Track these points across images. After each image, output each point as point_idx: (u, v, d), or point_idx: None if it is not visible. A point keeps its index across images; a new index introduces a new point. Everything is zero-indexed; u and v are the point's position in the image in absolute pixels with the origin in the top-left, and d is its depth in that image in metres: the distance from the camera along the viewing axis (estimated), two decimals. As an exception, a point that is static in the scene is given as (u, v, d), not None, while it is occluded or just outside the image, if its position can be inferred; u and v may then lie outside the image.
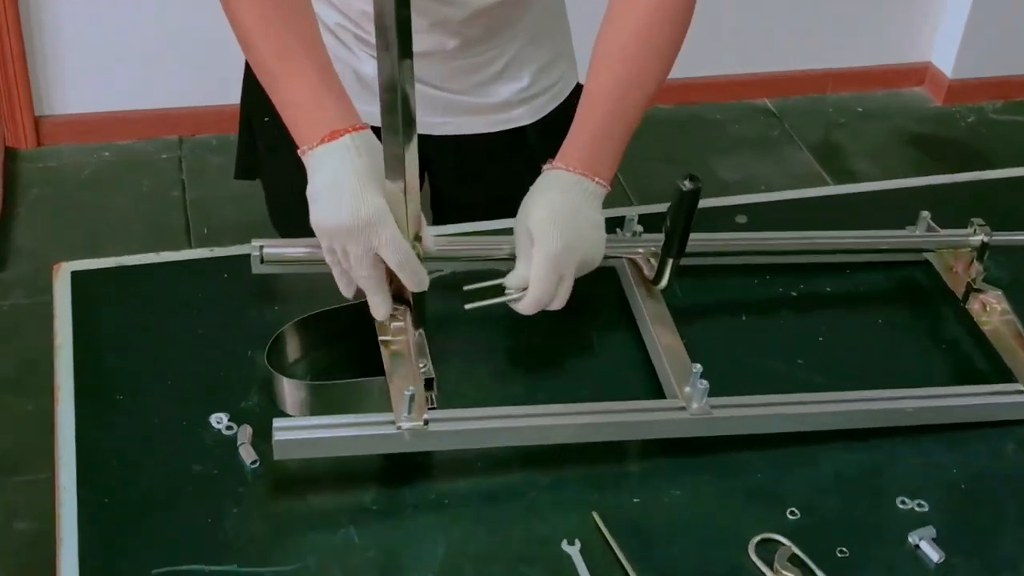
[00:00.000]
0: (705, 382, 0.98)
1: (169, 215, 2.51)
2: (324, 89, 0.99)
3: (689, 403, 0.98)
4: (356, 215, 0.94)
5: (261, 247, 1.04)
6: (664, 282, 1.08)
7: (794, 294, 1.17)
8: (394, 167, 0.94)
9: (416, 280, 0.98)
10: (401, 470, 0.95)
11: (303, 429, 0.92)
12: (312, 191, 0.98)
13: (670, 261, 1.06)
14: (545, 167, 1.05)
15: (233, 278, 1.12)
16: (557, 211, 1.00)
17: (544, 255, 0.99)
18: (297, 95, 0.99)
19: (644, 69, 1.05)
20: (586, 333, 1.10)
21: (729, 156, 2.85)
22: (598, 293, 1.12)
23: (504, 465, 0.97)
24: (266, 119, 1.26)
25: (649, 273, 1.10)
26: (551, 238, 0.99)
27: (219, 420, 0.97)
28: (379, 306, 0.99)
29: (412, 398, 0.92)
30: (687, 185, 0.99)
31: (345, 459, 0.94)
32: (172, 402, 0.99)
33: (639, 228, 1.14)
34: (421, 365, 0.95)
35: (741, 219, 1.25)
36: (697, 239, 1.11)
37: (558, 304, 1.02)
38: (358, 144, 0.97)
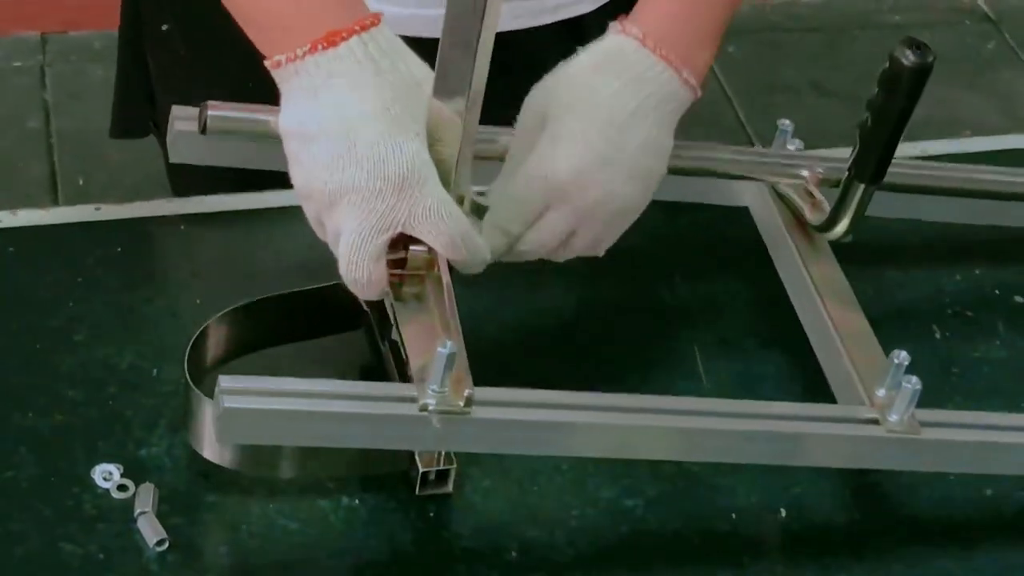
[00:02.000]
0: (916, 379, 0.93)
1: (25, 156, 2.50)
2: None
3: (885, 413, 0.94)
4: (379, 173, 0.90)
5: (205, 108, 1.01)
6: (843, 227, 1.04)
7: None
8: (452, 75, 0.91)
9: (474, 260, 0.95)
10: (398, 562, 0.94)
11: (268, 396, 0.86)
12: (294, 131, 0.93)
13: (860, 190, 1.02)
14: (610, 30, 1.02)
15: (130, 253, 1.11)
16: (600, 109, 0.97)
17: (553, 179, 0.97)
18: None
19: None
20: (692, 299, 1.10)
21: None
22: (710, 241, 1.11)
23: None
24: (165, 27, 1.25)
25: (814, 214, 1.07)
26: (575, 154, 0.96)
27: (107, 475, 0.96)
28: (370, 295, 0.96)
29: (450, 361, 0.87)
30: (909, 57, 0.93)
31: (306, 543, 0.93)
32: (34, 447, 0.97)
33: (797, 143, 1.10)
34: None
35: None
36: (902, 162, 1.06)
37: (563, 256, 0.99)
38: (372, 51, 0.92)
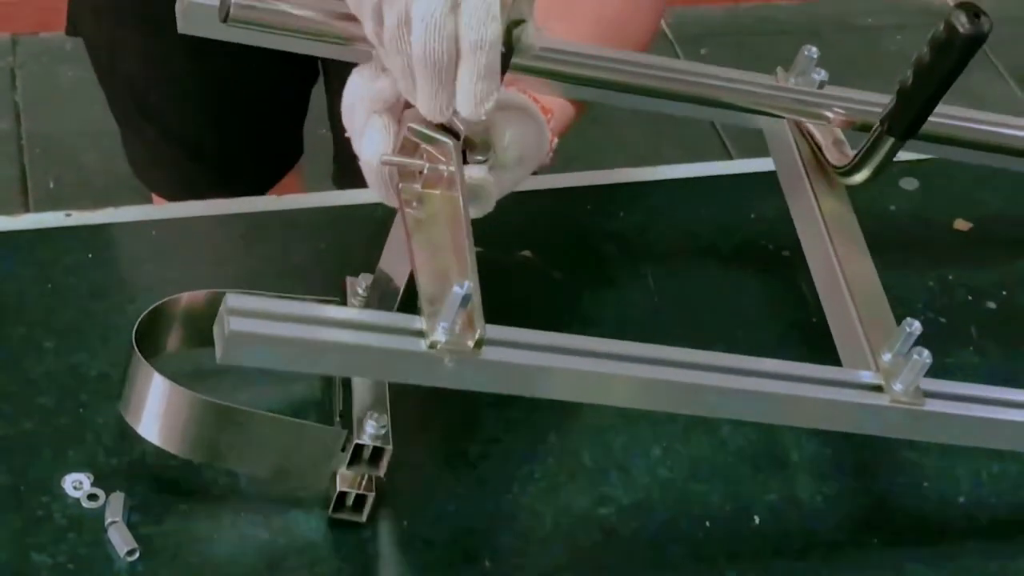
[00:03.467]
0: (927, 352, 0.91)
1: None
2: None
3: (890, 381, 0.92)
4: None
5: None
6: (863, 176, 1.02)
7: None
8: None
9: (484, 93, 0.86)
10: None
11: (275, 321, 0.82)
12: None
13: (889, 144, 0.99)
14: None
15: (100, 260, 1.10)
16: None
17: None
18: None
19: None
20: (689, 248, 1.12)
21: (883, 81, 2.81)
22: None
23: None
24: None
25: (837, 156, 1.04)
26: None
27: (77, 484, 0.95)
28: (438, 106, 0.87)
29: (465, 300, 0.84)
30: (964, 24, 0.90)
31: (277, 553, 0.92)
32: (3, 456, 0.97)
33: (822, 74, 1.08)
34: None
35: (908, 184, 1.24)
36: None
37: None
38: None
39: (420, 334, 0.84)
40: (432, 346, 0.83)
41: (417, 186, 0.91)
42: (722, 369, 0.90)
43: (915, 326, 0.91)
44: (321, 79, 1.49)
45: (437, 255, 0.88)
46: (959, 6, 0.91)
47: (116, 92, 1.46)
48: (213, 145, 1.44)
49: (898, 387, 0.91)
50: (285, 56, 1.37)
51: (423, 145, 0.91)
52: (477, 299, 0.84)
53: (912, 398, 0.91)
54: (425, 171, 0.90)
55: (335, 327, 0.84)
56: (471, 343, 0.83)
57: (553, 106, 1.01)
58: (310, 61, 1.42)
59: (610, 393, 0.90)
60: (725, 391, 0.89)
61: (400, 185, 0.90)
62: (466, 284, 0.82)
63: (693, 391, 0.89)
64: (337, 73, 1.40)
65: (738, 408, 0.91)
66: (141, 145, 1.49)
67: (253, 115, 1.46)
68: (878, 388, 0.92)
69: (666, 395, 0.90)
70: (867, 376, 0.92)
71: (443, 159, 0.90)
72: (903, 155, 1.02)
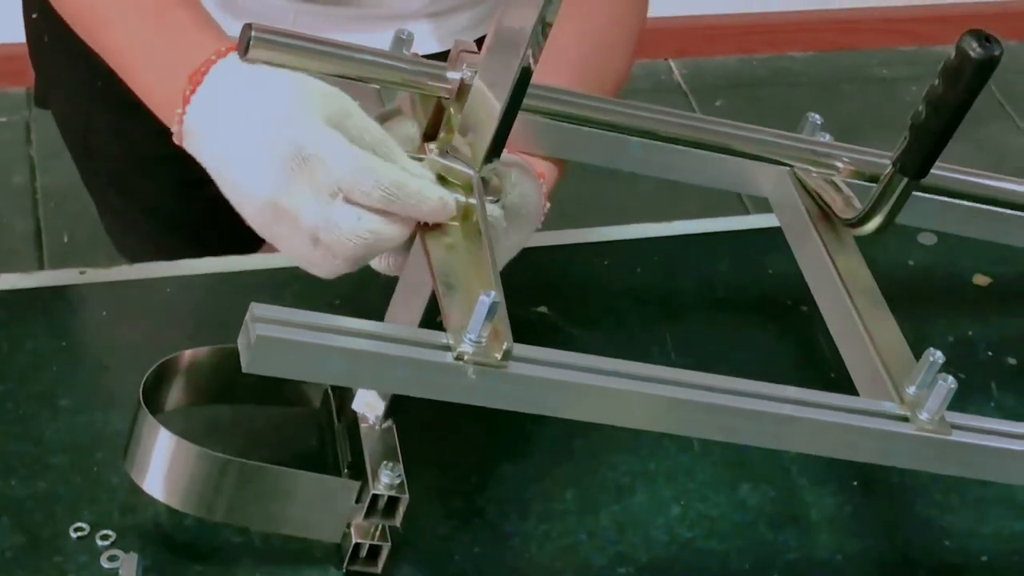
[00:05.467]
0: (951, 378, 0.90)
1: (10, 212, 2.49)
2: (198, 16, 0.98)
3: (916, 411, 0.91)
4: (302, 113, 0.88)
5: (250, 30, 0.94)
6: (876, 223, 1.01)
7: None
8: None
9: (430, 210, 0.90)
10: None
11: (301, 329, 0.83)
12: (212, 143, 0.91)
13: (903, 184, 0.98)
14: None
15: (115, 317, 1.10)
16: None
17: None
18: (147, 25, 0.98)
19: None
20: (707, 303, 1.14)
21: (899, 133, 2.82)
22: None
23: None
24: (34, 15, 1.33)
25: (843, 207, 1.04)
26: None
27: (91, 544, 0.95)
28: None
29: (492, 310, 0.84)
30: (976, 49, 0.89)
31: None
32: (17, 515, 0.96)
33: (827, 137, 1.08)
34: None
35: (927, 239, 1.23)
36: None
37: None
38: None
39: (446, 348, 0.84)
40: (459, 357, 0.83)
41: None
42: (746, 394, 0.89)
43: (938, 355, 0.91)
44: None
45: (459, 281, 0.89)
46: (969, 32, 0.90)
47: (91, 168, 1.46)
48: (192, 218, 1.43)
49: (924, 416, 0.91)
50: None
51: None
52: (503, 311, 0.84)
53: (938, 427, 0.91)
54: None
55: (359, 337, 0.84)
56: (498, 355, 0.83)
57: (542, 168, 1.03)
58: None
59: (634, 414, 0.89)
60: (749, 414, 0.89)
61: None
62: (492, 293, 0.83)
63: (717, 413, 0.89)
64: None
65: (761, 433, 0.91)
66: (118, 218, 1.49)
67: None
68: (903, 418, 0.91)
69: (689, 417, 0.89)
70: (892, 407, 0.92)
71: (460, 191, 0.93)
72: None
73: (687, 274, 1.20)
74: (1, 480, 0.98)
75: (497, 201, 0.95)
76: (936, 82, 0.93)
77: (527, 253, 0.98)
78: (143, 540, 0.95)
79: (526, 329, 0.85)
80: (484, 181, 0.93)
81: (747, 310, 1.17)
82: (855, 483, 1.04)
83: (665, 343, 1.12)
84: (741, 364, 1.10)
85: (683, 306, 1.17)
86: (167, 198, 1.41)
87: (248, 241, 1.53)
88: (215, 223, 1.49)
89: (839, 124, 1.13)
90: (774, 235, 1.12)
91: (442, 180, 0.93)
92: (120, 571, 0.93)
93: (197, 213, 1.44)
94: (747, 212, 2.41)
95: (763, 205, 1.11)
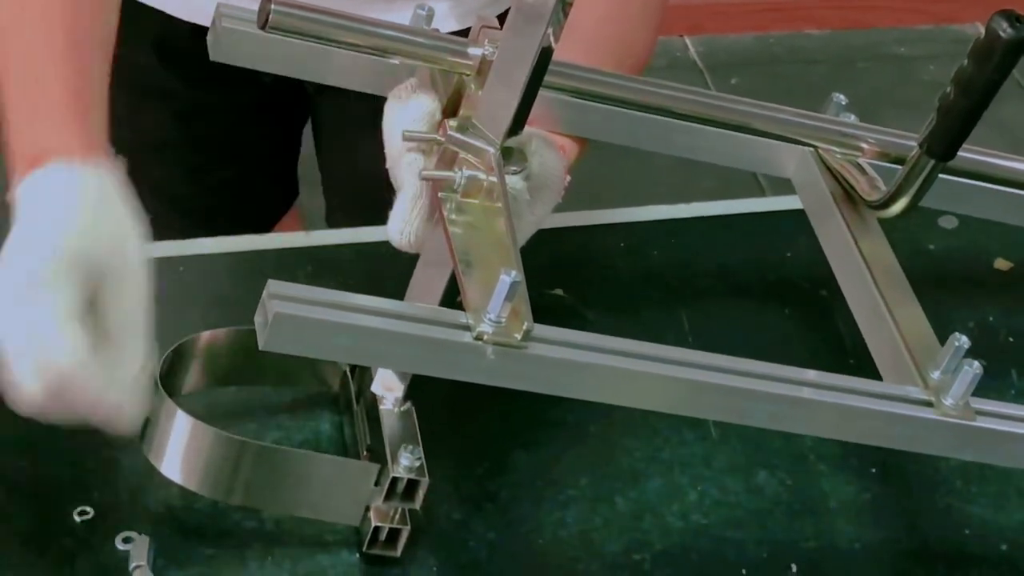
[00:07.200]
0: (976, 363, 0.90)
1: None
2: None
3: (940, 396, 0.91)
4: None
5: (270, 3, 0.93)
6: (901, 206, 1.00)
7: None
8: None
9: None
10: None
11: (319, 306, 0.82)
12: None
13: (929, 166, 0.97)
14: None
15: None
16: None
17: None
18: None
19: None
20: (724, 286, 1.14)
21: (915, 112, 2.81)
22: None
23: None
24: None
25: (867, 189, 1.03)
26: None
27: (103, 527, 0.94)
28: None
29: (512, 290, 0.83)
30: (1006, 30, 0.88)
31: None
32: (24, 496, 0.96)
33: (852, 117, 1.08)
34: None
35: (947, 223, 1.23)
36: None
37: None
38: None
39: (466, 327, 0.83)
40: (478, 337, 0.83)
41: (457, 195, 0.92)
42: (768, 377, 0.89)
43: (963, 340, 0.90)
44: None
45: (479, 260, 0.88)
46: (999, 13, 0.90)
47: None
48: (202, 203, 1.43)
49: (948, 401, 0.90)
50: (270, 104, 1.37)
51: (461, 154, 0.92)
52: (524, 291, 0.83)
53: (963, 412, 0.90)
54: (464, 180, 0.91)
55: (378, 316, 0.83)
56: (518, 336, 0.83)
57: (563, 142, 1.02)
58: (297, 102, 1.41)
59: (654, 396, 0.89)
60: (771, 397, 0.88)
61: (440, 194, 0.92)
62: (513, 272, 0.82)
63: (737, 396, 0.88)
64: (327, 111, 1.39)
65: (782, 417, 0.90)
66: None
67: (240, 170, 1.44)
68: (928, 403, 0.91)
69: (710, 400, 0.89)
70: (916, 392, 0.91)
71: (481, 168, 0.92)
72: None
73: (704, 257, 1.18)
74: (12, 462, 0.98)
75: (519, 172, 0.94)
76: (965, 62, 0.91)
77: (542, 234, 0.97)
78: (155, 524, 0.95)
79: (542, 311, 0.84)
80: (506, 151, 0.93)
81: (765, 294, 1.16)
82: (873, 470, 1.03)
83: (682, 327, 1.12)
84: (758, 348, 1.10)
85: (700, 289, 1.16)
86: (177, 183, 1.40)
87: (258, 225, 1.54)
88: (225, 207, 1.49)
89: (855, 103, 1.12)
90: (793, 218, 1.11)
91: (461, 158, 0.93)
92: (131, 554, 0.92)
93: (207, 197, 1.44)
94: (761, 190, 2.42)
95: (779, 183, 1.09)
